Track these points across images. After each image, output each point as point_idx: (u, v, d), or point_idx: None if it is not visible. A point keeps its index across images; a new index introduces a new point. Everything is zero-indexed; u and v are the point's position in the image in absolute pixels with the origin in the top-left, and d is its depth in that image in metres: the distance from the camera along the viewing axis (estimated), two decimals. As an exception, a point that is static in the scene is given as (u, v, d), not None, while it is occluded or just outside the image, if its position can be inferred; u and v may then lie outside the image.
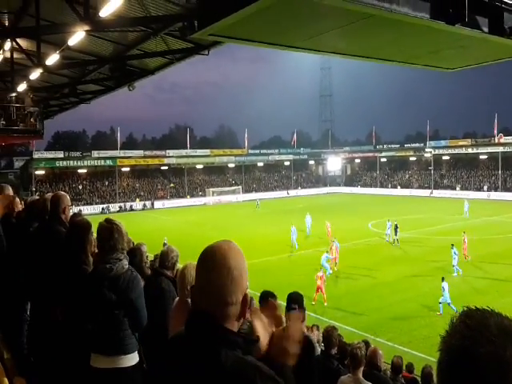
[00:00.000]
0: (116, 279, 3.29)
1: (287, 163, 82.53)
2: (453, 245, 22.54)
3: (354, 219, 42.30)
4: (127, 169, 67.36)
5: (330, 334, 5.08)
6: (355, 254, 27.36)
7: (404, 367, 7.16)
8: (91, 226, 3.88)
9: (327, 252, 22.98)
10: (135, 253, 5.30)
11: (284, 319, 1.78)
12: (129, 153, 68.48)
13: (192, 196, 69.42)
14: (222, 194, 68.75)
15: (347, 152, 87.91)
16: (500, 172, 64.79)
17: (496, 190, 63.58)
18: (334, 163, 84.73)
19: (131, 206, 61.88)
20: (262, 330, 1.68)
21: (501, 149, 63.96)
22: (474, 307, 1.00)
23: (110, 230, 3.42)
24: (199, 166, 73.67)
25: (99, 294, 3.29)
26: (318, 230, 33.53)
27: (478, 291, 19.54)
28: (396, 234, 29.31)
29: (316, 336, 5.31)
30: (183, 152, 71.71)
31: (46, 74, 14.36)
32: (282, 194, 75.57)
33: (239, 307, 1.46)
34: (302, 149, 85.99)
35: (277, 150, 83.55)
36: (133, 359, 3.33)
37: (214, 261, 1.46)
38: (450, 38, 2.49)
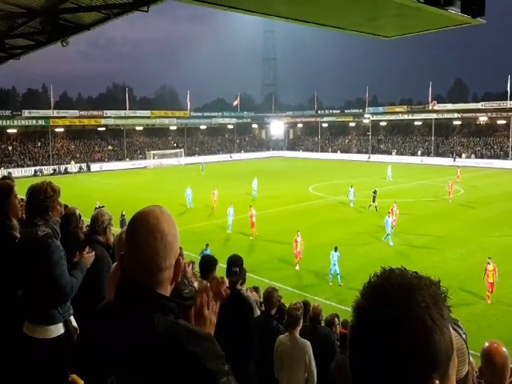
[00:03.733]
0: (30, 246, 3.18)
1: (230, 127, 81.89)
2: (389, 212, 23.33)
3: (296, 183, 43.16)
4: (61, 129, 63.95)
5: (270, 295, 5.23)
6: (296, 216, 28.08)
7: (340, 324, 7.58)
8: (12, 188, 3.65)
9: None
10: (70, 219, 5.08)
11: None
12: (63, 112, 64.78)
13: (132, 159, 67.46)
14: (163, 158, 67.28)
15: (290, 116, 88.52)
16: (433, 138, 68.15)
17: (429, 155, 66.98)
18: (277, 127, 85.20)
19: (66, 169, 59.24)
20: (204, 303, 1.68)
21: (434, 116, 67.12)
22: (386, 267, 0.96)
23: (33, 192, 3.27)
24: (139, 128, 71.36)
25: (16, 260, 3.19)
26: (264, 193, 34.01)
27: (402, 254, 20.86)
28: (374, 201, 29.37)
29: (256, 297, 5.45)
30: (122, 113, 68.96)
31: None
32: (225, 157, 75.26)
33: (172, 272, 1.44)
34: (245, 112, 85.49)
35: (220, 113, 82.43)
36: (53, 331, 3.25)
37: (148, 225, 1.41)
38: (387, 5, 2.51)
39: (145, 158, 67.00)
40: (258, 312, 4.88)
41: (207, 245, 17.81)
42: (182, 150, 71.61)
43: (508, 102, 60.43)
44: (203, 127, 79.24)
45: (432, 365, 0.86)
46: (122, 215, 21.32)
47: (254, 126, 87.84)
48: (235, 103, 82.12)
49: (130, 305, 1.39)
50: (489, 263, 15.49)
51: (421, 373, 0.85)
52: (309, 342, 4.93)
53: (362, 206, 30.13)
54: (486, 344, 2.92)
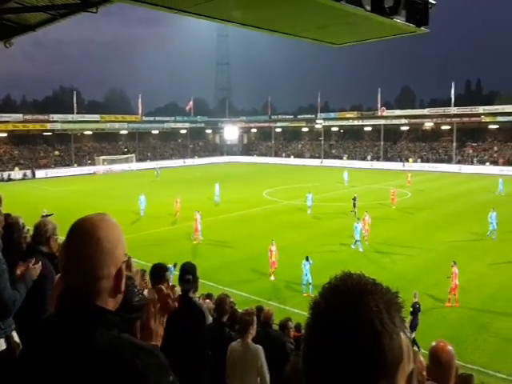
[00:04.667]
0: None
1: (183, 131, 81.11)
2: (358, 219, 23.36)
3: (250, 188, 43.33)
4: (4, 134, 60.93)
5: (222, 302, 5.17)
6: (250, 221, 28.16)
7: (294, 327, 7.63)
8: None
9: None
10: (13, 228, 4.84)
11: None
12: (5, 116, 61.76)
13: (80, 165, 65.26)
14: (113, 163, 65.57)
15: (244, 121, 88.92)
16: (382, 143, 70.55)
17: (378, 159, 69.27)
18: (231, 132, 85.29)
19: (9, 176, 56.44)
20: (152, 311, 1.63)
21: (383, 121, 69.54)
22: (346, 271, 0.99)
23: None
24: (88, 133, 69.25)
25: None
26: (224, 198, 33.89)
27: (355, 258, 21.38)
28: (355, 207, 29.36)
29: (209, 305, 5.37)
30: (69, 117, 66.69)
31: None
32: (178, 162, 74.40)
33: (112, 282, 1.37)
34: (198, 117, 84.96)
35: (173, 118, 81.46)
36: None
37: (83, 232, 1.36)
38: (336, 14, 2.56)
39: (94, 164, 64.99)
40: (210, 319, 4.83)
41: (175, 264, 17.41)
42: (133, 155, 70.11)
43: (452, 108, 63.66)
44: (155, 132, 78.00)
45: (379, 369, 0.87)
46: None
47: (208, 130, 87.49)
48: (188, 108, 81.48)
49: (69, 319, 1.32)
50: (453, 266, 15.62)
51: (367, 375, 0.86)
52: (261, 347, 4.92)
53: (319, 211, 30.45)
54: (433, 343, 2.99)
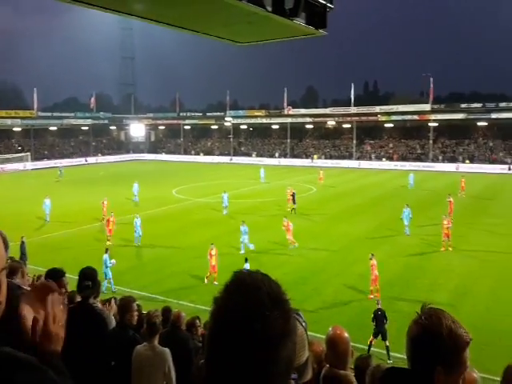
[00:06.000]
0: None
1: (85, 128, 76.92)
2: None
3: (158, 187, 42.36)
4: None
5: (126, 305, 4.96)
6: (158, 221, 27.54)
7: (203, 326, 7.60)
8: None
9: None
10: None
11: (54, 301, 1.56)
12: None
13: (-34, 164, 59.06)
14: (5, 162, 60.15)
15: (151, 118, 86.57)
16: (289, 140, 72.95)
17: (285, 156, 71.55)
18: (138, 129, 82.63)
19: None
20: (30, 314, 1.47)
21: (289, 120, 71.94)
22: (243, 269, 1.07)
23: None
24: (-25, 129, 62.94)
25: None
26: (125, 198, 32.61)
27: (266, 251, 21.89)
28: (294, 203, 29.60)
29: (113, 309, 5.14)
30: (-48, 112, 60.06)
31: None
32: (80, 161, 70.39)
33: None
34: (101, 113, 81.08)
35: (73, 114, 76.82)
36: None
37: None
38: (237, 12, 2.56)
39: (-18, 163, 59.16)
40: (113, 323, 4.62)
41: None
42: (29, 153, 64.88)
43: (352, 107, 67.69)
44: (53, 128, 72.92)
45: (270, 362, 0.94)
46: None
47: (112, 127, 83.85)
48: (91, 103, 77.40)
49: None
50: (371, 259, 16.11)
51: (259, 368, 0.93)
52: (168, 350, 4.83)
53: (234, 208, 30.37)
54: (330, 330, 3.05)
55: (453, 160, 59.66)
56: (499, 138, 61.08)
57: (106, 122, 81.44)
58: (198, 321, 7.45)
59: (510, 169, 53.66)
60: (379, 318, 12.22)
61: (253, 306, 0.94)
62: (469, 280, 17.54)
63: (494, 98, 64.57)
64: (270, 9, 2.65)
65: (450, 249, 21.08)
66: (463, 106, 61.23)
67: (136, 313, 4.96)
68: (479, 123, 61.15)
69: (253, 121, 76.77)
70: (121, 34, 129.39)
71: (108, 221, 23.19)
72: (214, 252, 17.58)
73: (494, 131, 61.86)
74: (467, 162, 57.75)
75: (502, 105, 58.61)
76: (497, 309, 14.82)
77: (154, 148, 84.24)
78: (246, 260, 16.96)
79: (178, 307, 10.62)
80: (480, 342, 10.38)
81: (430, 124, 62.78)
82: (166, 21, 3.13)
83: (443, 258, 20.29)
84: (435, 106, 62.42)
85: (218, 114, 80.00)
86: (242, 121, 77.16)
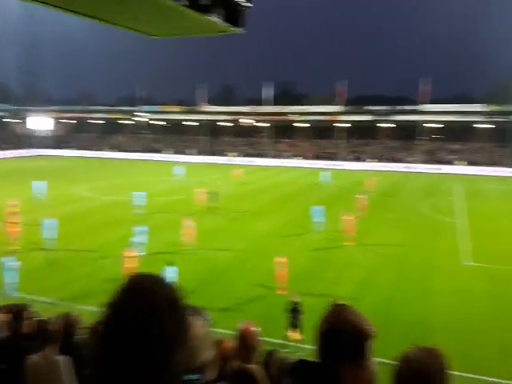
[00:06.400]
0: None
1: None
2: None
3: (63, 184, 39.86)
4: None
5: (19, 312, 4.60)
6: (66, 221, 25.92)
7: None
8: None
9: None
10: None
11: None
12: None
13: None
14: None
15: (56, 111, 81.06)
16: (205, 137, 72.50)
17: (202, 153, 70.70)
18: (41, 123, 76.99)
19: None
20: None
21: (205, 117, 71.59)
22: (140, 272, 1.08)
23: None
24: None
25: None
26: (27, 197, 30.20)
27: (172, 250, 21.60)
28: (215, 202, 29.61)
29: (3, 318, 4.73)
30: None
31: None
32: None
33: None
34: (-1, 104, 74.52)
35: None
36: None
37: None
38: (152, 5, 2.47)
39: None
40: (3, 334, 4.25)
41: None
42: None
43: (267, 106, 69.19)
44: None
45: (165, 362, 0.95)
46: None
47: (10, 120, 77.20)
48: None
49: None
50: (280, 257, 16.31)
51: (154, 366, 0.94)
52: (63, 358, 4.53)
53: (151, 206, 29.39)
54: (240, 325, 3.19)
55: (362, 159, 63.49)
56: (403, 139, 66.15)
57: (5, 114, 74.90)
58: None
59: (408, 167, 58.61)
60: (295, 310, 12.79)
61: (150, 310, 0.94)
62: (372, 272, 18.76)
63: (400, 100, 69.41)
64: (186, 3, 2.59)
65: (354, 243, 22.34)
66: (371, 108, 65.51)
67: (29, 321, 4.62)
68: (384, 125, 65.80)
69: (168, 116, 75.21)
70: (22, 20, 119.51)
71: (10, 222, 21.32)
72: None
73: (398, 132, 66.78)
74: (375, 160, 61.73)
75: (406, 108, 63.73)
76: (396, 297, 16.04)
77: (59, 143, 78.99)
78: (168, 264, 16.09)
79: (83, 313, 10.08)
80: (380, 328, 11.13)
81: (339, 125, 66.28)
82: (78, 10, 2.93)
83: (348, 251, 21.51)
84: (345, 108, 65.92)
85: (131, 108, 77.18)
86: (157, 116, 75.33)
